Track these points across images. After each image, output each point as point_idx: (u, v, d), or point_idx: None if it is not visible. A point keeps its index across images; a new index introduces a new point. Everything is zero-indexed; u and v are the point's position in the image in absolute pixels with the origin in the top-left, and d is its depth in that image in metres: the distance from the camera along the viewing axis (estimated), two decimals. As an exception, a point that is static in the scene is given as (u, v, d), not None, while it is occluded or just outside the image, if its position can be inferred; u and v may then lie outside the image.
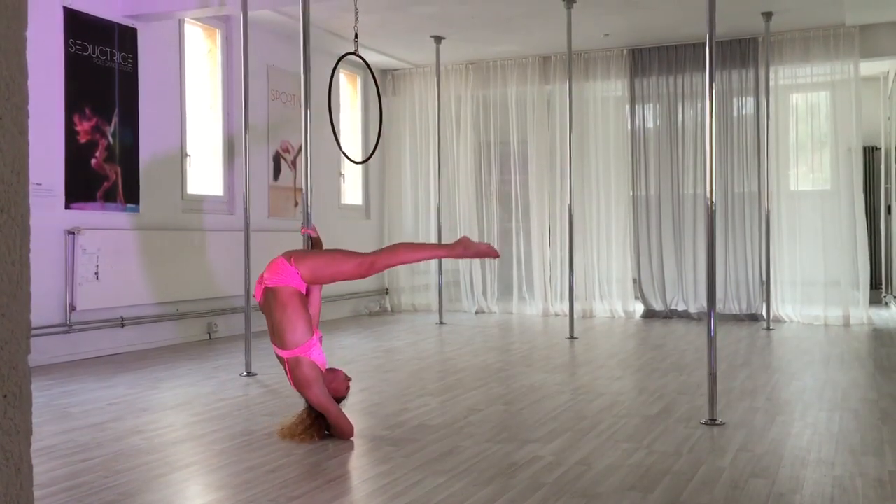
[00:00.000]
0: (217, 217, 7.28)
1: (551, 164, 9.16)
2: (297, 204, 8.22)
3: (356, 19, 4.87)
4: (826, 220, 8.16)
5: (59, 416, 4.15)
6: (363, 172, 9.57)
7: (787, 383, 4.91)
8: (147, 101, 6.58)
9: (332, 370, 3.79)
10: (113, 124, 6.30)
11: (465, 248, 3.73)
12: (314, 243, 4.06)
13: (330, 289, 8.47)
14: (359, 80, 9.51)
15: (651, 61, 8.68)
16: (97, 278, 6.01)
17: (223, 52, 7.46)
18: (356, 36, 4.73)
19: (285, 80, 8.07)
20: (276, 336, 3.66)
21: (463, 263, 9.51)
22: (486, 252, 3.76)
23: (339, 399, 3.75)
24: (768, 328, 7.57)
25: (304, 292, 3.75)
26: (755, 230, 8.27)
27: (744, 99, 8.40)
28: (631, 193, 8.82)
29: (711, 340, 3.98)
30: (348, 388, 3.84)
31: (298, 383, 3.63)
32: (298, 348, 3.61)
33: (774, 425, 3.84)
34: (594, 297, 8.89)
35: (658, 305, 8.64)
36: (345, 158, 5.11)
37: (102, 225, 6.16)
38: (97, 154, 6.16)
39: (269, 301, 3.67)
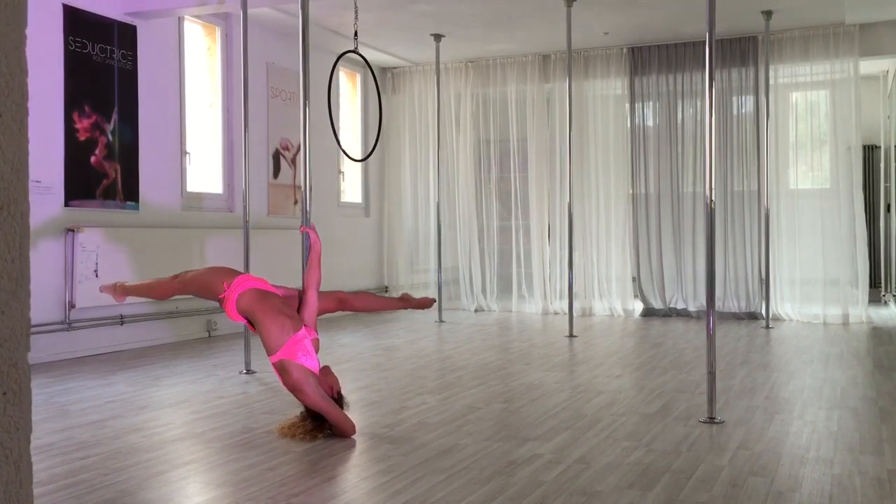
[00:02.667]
0: (216, 215, 7.28)
1: (551, 162, 9.16)
2: (296, 202, 8.22)
3: (356, 17, 4.87)
4: (825, 218, 8.16)
5: (58, 413, 4.15)
6: (363, 170, 9.56)
7: (786, 382, 4.91)
8: (146, 98, 6.58)
9: (324, 369, 3.75)
10: (112, 122, 6.29)
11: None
12: (311, 244, 4.03)
13: (328, 286, 8.46)
14: (358, 77, 9.51)
15: (651, 60, 8.68)
16: (96, 276, 6.00)
17: (223, 49, 7.46)
18: (356, 34, 4.73)
19: (285, 78, 8.07)
20: (263, 346, 3.69)
21: (463, 261, 9.51)
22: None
23: (336, 398, 3.72)
24: (767, 326, 7.57)
25: (262, 287, 3.77)
26: (754, 229, 8.27)
27: (743, 97, 8.39)
28: (630, 192, 8.82)
29: (710, 339, 3.98)
30: (336, 385, 3.76)
31: (290, 388, 3.60)
32: (280, 350, 3.57)
33: (773, 423, 3.84)
34: (593, 295, 8.89)
35: (657, 304, 8.64)
36: (344, 156, 5.13)
37: (102, 222, 6.16)
38: (97, 152, 6.16)
39: (248, 318, 3.75)
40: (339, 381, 3.81)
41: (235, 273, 3.84)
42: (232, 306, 3.72)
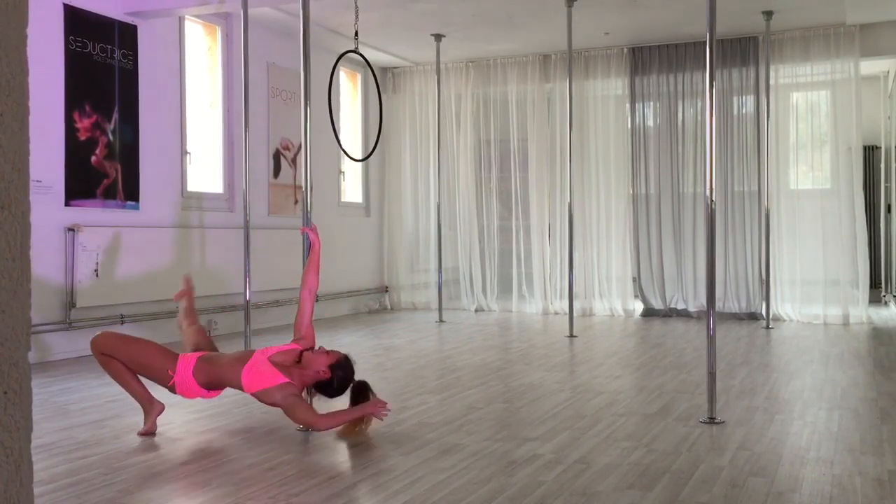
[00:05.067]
0: (217, 214, 7.28)
1: (551, 162, 9.16)
2: (297, 202, 8.22)
3: (356, 17, 4.87)
4: (826, 218, 8.16)
5: (58, 413, 4.15)
6: (363, 170, 9.56)
7: (786, 382, 4.91)
8: (147, 98, 6.58)
9: (295, 365, 3.63)
10: (113, 121, 6.29)
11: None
12: (311, 244, 4.02)
13: (328, 286, 8.47)
14: (359, 77, 9.51)
15: (651, 60, 8.68)
16: (97, 275, 6.01)
17: (223, 49, 7.46)
18: (356, 33, 4.73)
19: (285, 78, 8.07)
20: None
21: (463, 261, 9.51)
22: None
23: (328, 381, 3.62)
24: (768, 327, 7.57)
25: (202, 353, 3.75)
26: (755, 229, 8.27)
27: (744, 98, 8.39)
28: (631, 192, 8.82)
29: (711, 339, 3.98)
30: (330, 357, 3.64)
31: (282, 409, 3.59)
32: (245, 385, 3.59)
33: (774, 424, 3.84)
34: (594, 295, 8.89)
35: (657, 304, 8.64)
36: (345, 156, 5.14)
37: (102, 222, 6.16)
38: (97, 151, 6.16)
39: (212, 387, 3.71)
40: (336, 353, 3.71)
41: (173, 355, 3.73)
42: (192, 385, 3.65)
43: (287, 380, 3.57)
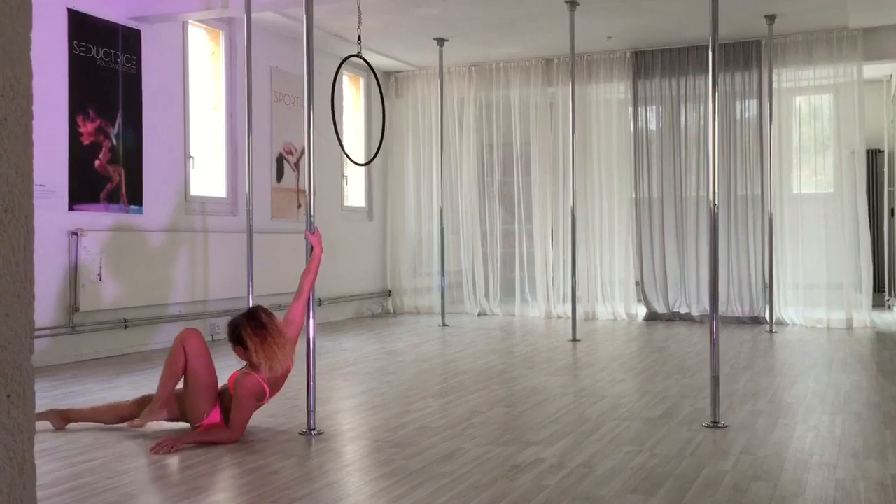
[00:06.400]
0: (220, 219, 7.29)
1: (554, 166, 9.16)
2: (299, 206, 8.22)
3: (359, 21, 4.87)
4: (829, 222, 8.15)
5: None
6: (366, 174, 9.57)
7: (789, 386, 4.90)
8: (150, 102, 6.59)
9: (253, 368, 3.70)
10: (116, 126, 6.31)
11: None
12: (312, 250, 4.02)
13: (331, 290, 8.47)
14: (362, 82, 9.52)
15: (654, 64, 8.68)
16: (100, 279, 6.01)
17: (227, 53, 7.47)
18: (359, 38, 4.74)
19: (288, 82, 8.08)
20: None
21: (466, 265, 9.50)
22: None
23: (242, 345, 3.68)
24: (771, 331, 7.56)
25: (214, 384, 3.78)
26: (758, 233, 8.26)
27: (747, 101, 8.39)
28: (633, 195, 8.82)
29: (714, 343, 3.97)
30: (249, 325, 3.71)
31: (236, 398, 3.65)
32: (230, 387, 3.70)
33: (777, 428, 3.84)
34: (597, 299, 8.88)
35: (660, 308, 8.63)
36: (348, 160, 5.15)
37: (105, 226, 6.17)
38: (101, 155, 6.17)
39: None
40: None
41: (215, 400, 3.75)
42: (218, 422, 3.73)
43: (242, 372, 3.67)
